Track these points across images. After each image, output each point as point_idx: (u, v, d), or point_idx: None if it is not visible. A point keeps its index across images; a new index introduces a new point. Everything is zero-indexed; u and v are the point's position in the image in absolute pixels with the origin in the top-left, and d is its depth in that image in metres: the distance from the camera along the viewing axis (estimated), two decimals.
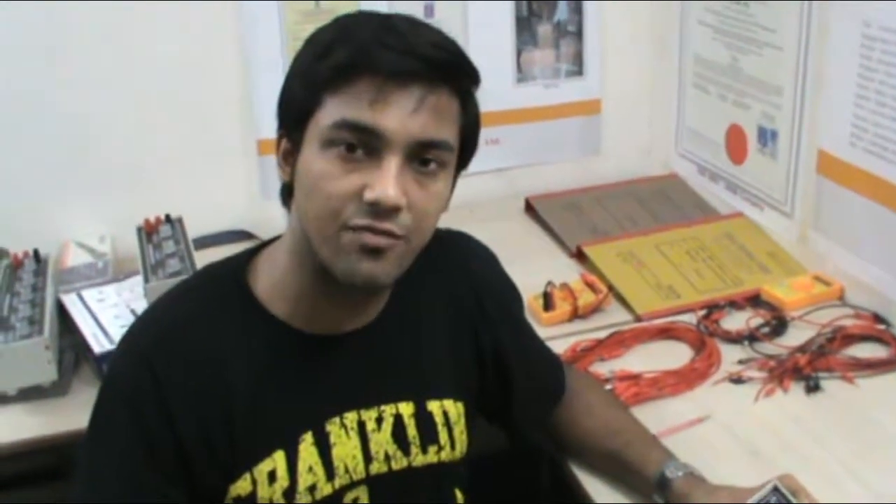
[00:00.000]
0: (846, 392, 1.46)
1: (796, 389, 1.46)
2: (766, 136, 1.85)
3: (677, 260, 1.79)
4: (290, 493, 1.04)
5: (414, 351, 1.11)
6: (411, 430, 1.09)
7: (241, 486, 1.03)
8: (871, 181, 1.59)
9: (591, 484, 1.28)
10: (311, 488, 1.05)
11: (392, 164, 0.94)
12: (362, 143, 0.93)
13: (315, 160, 0.96)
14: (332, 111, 0.95)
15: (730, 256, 1.80)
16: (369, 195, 0.93)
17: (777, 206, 1.85)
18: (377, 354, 1.08)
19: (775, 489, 1.09)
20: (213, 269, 1.10)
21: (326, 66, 0.96)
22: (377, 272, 0.96)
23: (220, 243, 1.86)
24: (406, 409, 1.09)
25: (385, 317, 1.09)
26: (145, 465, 1.00)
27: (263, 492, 1.03)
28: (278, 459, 1.04)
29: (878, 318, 1.59)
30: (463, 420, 1.14)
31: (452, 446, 1.13)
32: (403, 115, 0.93)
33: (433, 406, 1.11)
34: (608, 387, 1.43)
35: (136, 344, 1.04)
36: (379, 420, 1.08)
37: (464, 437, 1.14)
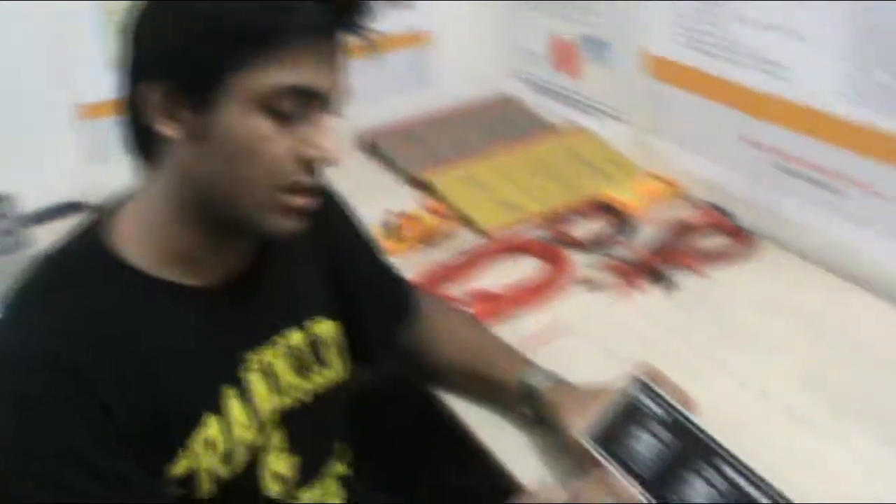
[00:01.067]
0: (698, 285, 1.43)
1: (651, 289, 1.43)
2: (595, 47, 1.80)
3: (520, 178, 1.74)
4: (229, 455, 0.96)
5: (289, 281, 1.06)
6: (306, 357, 1.06)
7: (182, 465, 0.92)
8: (702, 79, 1.57)
9: (457, 404, 1.22)
10: (248, 444, 0.98)
11: (328, 120, 0.90)
12: (302, 105, 0.88)
13: (244, 122, 0.87)
14: (269, 75, 0.86)
15: (572, 169, 1.75)
16: (314, 153, 0.89)
17: (614, 114, 1.82)
18: (262, 293, 1.02)
19: (637, 381, 1.02)
20: (70, 248, 0.96)
21: (241, 22, 0.86)
22: (300, 228, 0.93)
23: (54, 217, 1.69)
24: (297, 337, 1.05)
25: (262, 254, 1.02)
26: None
27: (204, 462, 0.94)
28: (211, 424, 0.94)
29: (720, 211, 1.56)
30: (342, 340, 1.11)
31: (341, 366, 1.10)
32: (334, 71, 0.90)
33: (318, 328, 1.08)
34: (464, 309, 1.36)
35: (41, 355, 0.86)
36: (278, 355, 1.02)
37: (346, 357, 1.11)
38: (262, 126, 0.87)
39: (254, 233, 0.94)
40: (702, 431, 0.97)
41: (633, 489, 0.96)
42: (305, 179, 0.90)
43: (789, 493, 0.89)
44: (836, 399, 1.17)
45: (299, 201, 0.91)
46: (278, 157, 0.88)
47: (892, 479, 1.06)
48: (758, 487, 0.90)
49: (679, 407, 1.01)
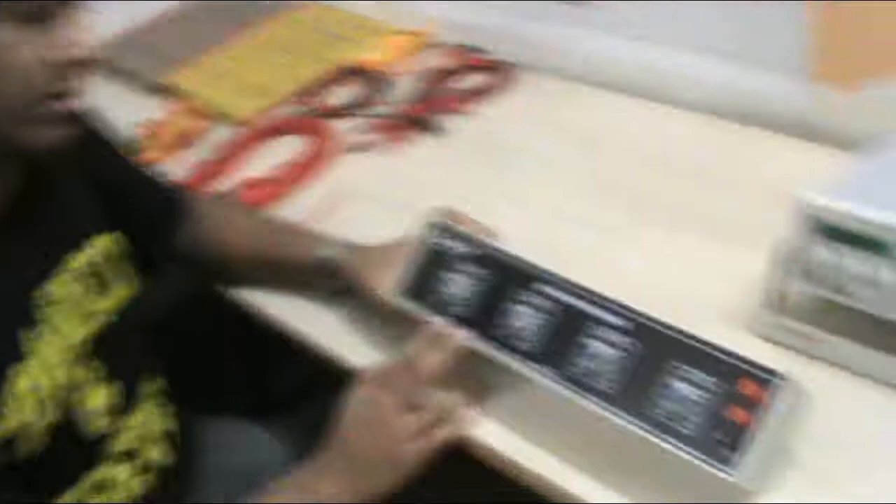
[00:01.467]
0: (468, 124, 1.39)
1: (420, 138, 1.37)
2: None
3: (264, 61, 1.63)
4: (45, 404, 0.87)
5: (63, 205, 0.96)
6: (99, 276, 0.97)
7: None
8: None
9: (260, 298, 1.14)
10: (64, 386, 0.89)
11: (70, 17, 0.80)
12: (40, 4, 0.78)
13: None
14: None
15: (316, 41, 1.65)
16: (64, 55, 0.80)
17: None
18: (37, 223, 0.92)
19: (434, 225, 0.97)
20: None
21: None
22: (66, 135, 0.84)
23: None
24: (82, 258, 0.95)
25: (28, 183, 0.91)
26: None
27: (22, 417, 0.84)
28: (19, 376, 0.84)
29: (474, 50, 1.50)
30: (126, 252, 1.03)
31: (133, 279, 1.02)
32: None
33: (99, 244, 0.98)
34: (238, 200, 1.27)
35: None
36: (69, 281, 0.92)
37: (134, 269, 1.03)
38: (2, 34, 0.76)
39: (18, 151, 0.84)
40: (513, 258, 0.93)
41: (460, 334, 0.90)
42: (61, 85, 0.81)
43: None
44: (630, 204, 1.17)
45: (59, 107, 0.82)
46: (26, 65, 0.78)
47: (697, 268, 1.06)
48: (581, 297, 0.87)
49: (484, 240, 0.96)
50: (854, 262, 0.85)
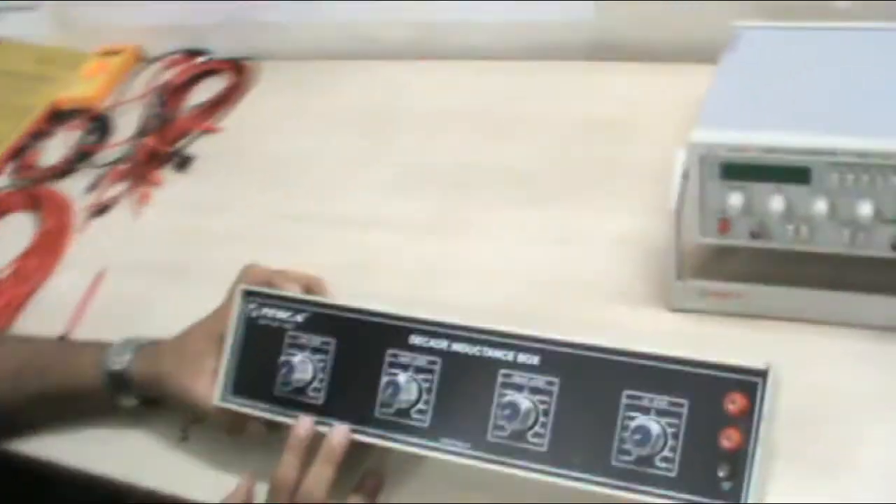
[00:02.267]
0: (221, 142, 1.14)
1: (168, 175, 1.11)
2: None
3: None
4: None
5: None
6: None
7: None
8: None
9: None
10: None
11: None
12: None
13: None
14: None
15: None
16: None
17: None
18: None
19: (243, 294, 0.73)
20: None
21: None
22: None
23: None
24: None
25: None
26: None
27: None
28: None
29: (196, 53, 1.23)
30: None
31: None
32: None
33: None
34: None
35: None
36: None
37: None
38: None
39: None
40: (366, 313, 0.70)
41: (338, 431, 0.67)
42: None
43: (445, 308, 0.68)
44: (457, 182, 0.97)
45: None
46: None
47: (567, 244, 0.88)
48: (471, 341, 0.66)
49: (320, 298, 0.73)
50: (776, 199, 0.69)
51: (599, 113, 1.00)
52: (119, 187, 1.10)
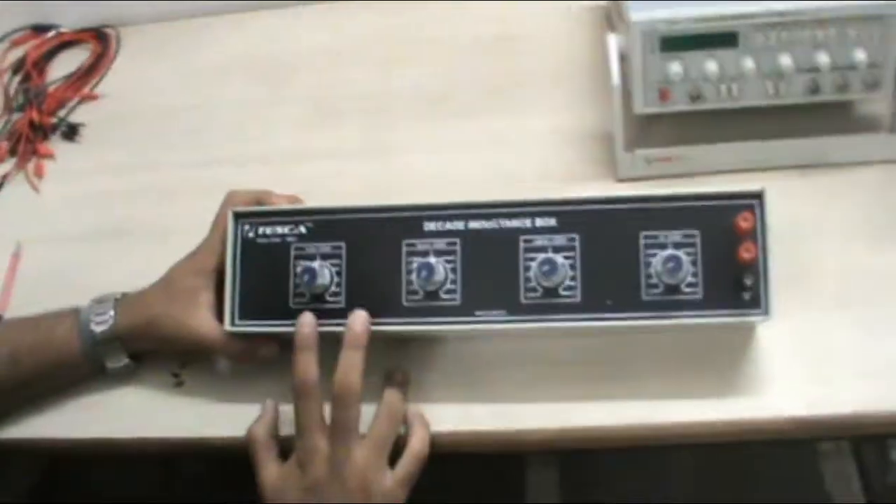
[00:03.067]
0: (106, 107, 1.10)
1: (58, 146, 1.05)
2: None
3: None
4: None
5: None
6: None
7: None
8: None
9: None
10: None
11: None
12: None
13: None
14: None
15: None
16: None
17: None
18: None
19: (241, 216, 0.74)
20: None
21: None
22: None
23: None
24: None
25: None
26: None
27: None
28: None
29: (43, 29, 1.19)
30: None
31: None
32: None
33: None
34: None
35: None
36: None
37: None
38: None
39: None
40: (372, 209, 0.73)
41: (356, 313, 0.70)
42: None
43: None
44: (378, 110, 1.00)
45: None
46: None
47: (513, 147, 0.93)
48: (485, 217, 0.70)
49: (314, 207, 0.75)
50: (710, 63, 0.78)
51: (484, 31, 1.04)
52: (6, 165, 1.03)
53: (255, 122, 1.01)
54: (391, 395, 0.70)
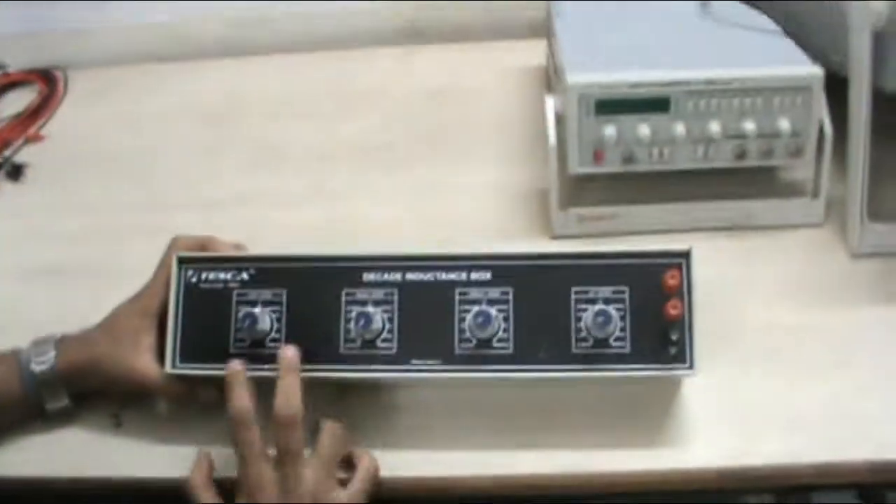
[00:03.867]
0: (51, 150, 1.10)
1: (5, 187, 1.05)
2: None
3: None
4: None
5: None
6: None
7: None
8: None
9: None
10: None
11: None
12: None
13: None
14: None
15: None
16: None
17: None
18: None
19: (186, 262, 0.74)
20: None
21: None
22: None
23: None
24: None
25: None
26: None
27: None
28: None
29: None
30: None
31: None
32: None
33: None
34: None
35: None
36: None
37: None
38: None
39: None
40: (314, 258, 0.73)
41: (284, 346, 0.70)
42: None
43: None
44: (316, 159, 1.01)
45: None
46: None
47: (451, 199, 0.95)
48: (421, 269, 0.71)
49: (256, 255, 0.76)
50: (643, 127, 0.81)
51: (429, 86, 1.07)
52: None
53: (200, 167, 1.02)
54: (329, 422, 0.71)
